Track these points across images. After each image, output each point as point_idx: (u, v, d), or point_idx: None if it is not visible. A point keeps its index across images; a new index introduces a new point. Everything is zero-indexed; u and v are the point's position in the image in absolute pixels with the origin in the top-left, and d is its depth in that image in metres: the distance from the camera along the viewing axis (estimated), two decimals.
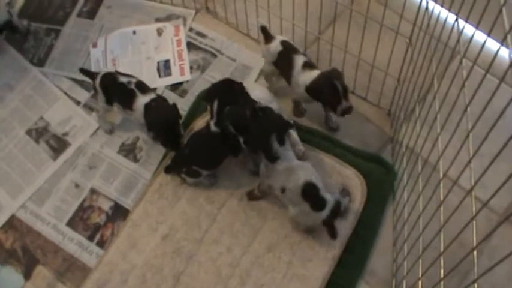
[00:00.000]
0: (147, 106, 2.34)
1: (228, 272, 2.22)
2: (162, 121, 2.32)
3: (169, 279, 2.23)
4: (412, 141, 2.08)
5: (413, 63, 2.11)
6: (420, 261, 1.77)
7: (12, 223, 2.49)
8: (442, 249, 1.56)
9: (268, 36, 2.44)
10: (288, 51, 2.38)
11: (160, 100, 2.37)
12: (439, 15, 1.86)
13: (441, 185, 1.65)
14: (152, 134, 2.43)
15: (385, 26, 2.14)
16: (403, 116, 2.29)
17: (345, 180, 2.33)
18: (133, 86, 2.39)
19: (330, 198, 2.11)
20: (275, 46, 2.40)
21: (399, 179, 2.31)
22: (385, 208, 2.31)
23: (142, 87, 2.41)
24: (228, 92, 2.28)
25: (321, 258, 2.19)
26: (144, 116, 2.34)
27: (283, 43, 2.39)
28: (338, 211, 2.14)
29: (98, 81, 2.46)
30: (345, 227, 2.24)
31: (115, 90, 2.44)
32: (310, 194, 2.10)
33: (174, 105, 2.36)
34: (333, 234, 2.15)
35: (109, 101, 2.49)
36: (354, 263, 2.20)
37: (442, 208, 1.61)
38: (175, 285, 2.21)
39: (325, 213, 2.10)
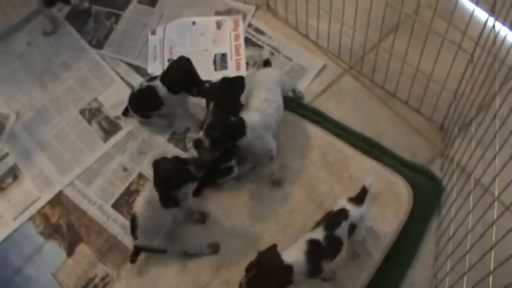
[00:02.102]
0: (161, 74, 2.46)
1: None
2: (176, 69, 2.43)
3: (209, 270, 2.26)
4: (465, 158, 2.07)
5: (472, 80, 2.10)
6: (465, 278, 1.76)
7: (60, 199, 2.54)
8: (491, 269, 1.55)
9: (360, 199, 2.09)
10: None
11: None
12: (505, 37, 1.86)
13: (495, 205, 1.64)
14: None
15: (447, 40, 2.13)
16: (456, 131, 2.28)
17: (393, 187, 2.33)
18: (145, 84, 2.51)
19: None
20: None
21: (446, 194, 2.29)
22: (429, 221, 2.30)
23: (153, 77, 2.53)
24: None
25: (360, 265, 2.19)
26: (161, 80, 2.44)
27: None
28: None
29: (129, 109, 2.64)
30: (387, 235, 2.24)
31: (138, 101, 2.59)
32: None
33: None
34: None
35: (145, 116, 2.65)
36: (394, 273, 2.20)
37: (494, 228, 1.60)
38: (214, 277, 2.24)
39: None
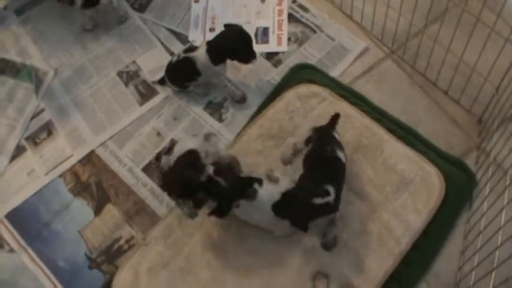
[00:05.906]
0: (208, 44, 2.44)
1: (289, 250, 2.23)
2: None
3: (236, 238, 2.25)
4: (502, 153, 2.05)
5: None
6: (493, 274, 1.75)
7: (91, 158, 2.56)
8: None
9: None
10: None
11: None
12: None
13: None
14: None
15: (494, 32, 2.09)
16: (495, 126, 2.25)
17: (425, 176, 2.30)
18: (182, 55, 2.51)
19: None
20: None
21: (479, 188, 2.27)
22: (459, 214, 2.28)
23: (190, 48, 2.53)
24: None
25: (388, 252, 2.17)
26: (208, 52, 2.43)
27: None
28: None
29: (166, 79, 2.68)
30: (416, 223, 2.22)
31: (175, 71, 2.59)
32: None
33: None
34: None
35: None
36: (419, 262, 2.18)
37: None
38: (240, 246, 2.24)
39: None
